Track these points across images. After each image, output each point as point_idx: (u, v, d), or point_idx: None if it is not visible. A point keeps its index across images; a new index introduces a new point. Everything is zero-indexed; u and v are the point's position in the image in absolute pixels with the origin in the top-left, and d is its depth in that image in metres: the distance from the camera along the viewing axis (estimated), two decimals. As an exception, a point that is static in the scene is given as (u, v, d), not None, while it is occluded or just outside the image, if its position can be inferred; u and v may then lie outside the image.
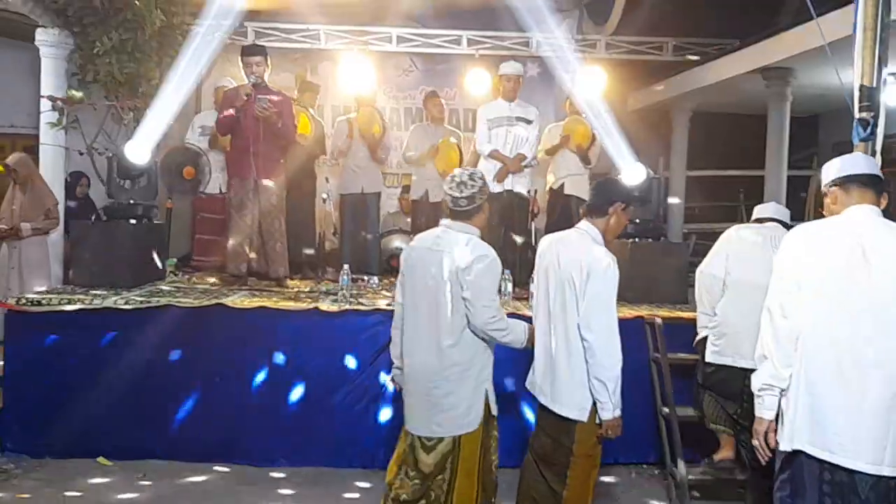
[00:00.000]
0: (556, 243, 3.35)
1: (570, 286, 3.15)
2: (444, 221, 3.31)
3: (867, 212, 2.70)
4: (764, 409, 2.71)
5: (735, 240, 4.19)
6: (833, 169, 2.83)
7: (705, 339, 4.21)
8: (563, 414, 3.19)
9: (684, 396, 4.64)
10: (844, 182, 2.77)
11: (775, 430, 2.70)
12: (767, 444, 2.72)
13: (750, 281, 3.86)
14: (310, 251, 6.91)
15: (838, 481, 2.54)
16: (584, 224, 3.34)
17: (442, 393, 3.18)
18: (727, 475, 4.34)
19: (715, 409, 4.29)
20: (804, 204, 9.25)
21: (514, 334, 3.29)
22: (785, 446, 2.65)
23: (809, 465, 2.59)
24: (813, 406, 2.58)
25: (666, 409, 4.61)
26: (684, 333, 4.61)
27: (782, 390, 2.66)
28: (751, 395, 2.81)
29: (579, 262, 3.14)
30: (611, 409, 3.10)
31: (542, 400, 3.30)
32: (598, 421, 3.15)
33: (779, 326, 2.66)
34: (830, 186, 2.81)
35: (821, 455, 2.55)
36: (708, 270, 4.19)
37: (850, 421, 2.52)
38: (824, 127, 10.32)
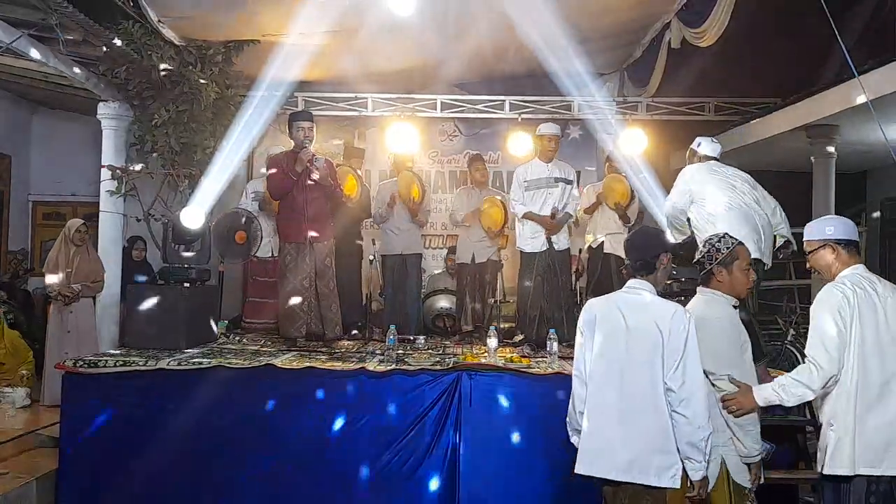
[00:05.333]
0: (615, 305, 3.24)
1: (651, 347, 3.06)
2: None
3: (866, 269, 3.33)
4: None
5: (694, 180, 5.07)
6: (840, 228, 3.36)
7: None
8: (654, 484, 3.03)
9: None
10: (847, 244, 3.33)
11: None
12: None
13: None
14: (357, 312, 7.01)
15: (882, 491, 3.11)
16: (636, 283, 3.26)
17: None
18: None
19: None
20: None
21: None
22: (846, 472, 3.11)
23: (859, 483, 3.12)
24: (864, 432, 3.11)
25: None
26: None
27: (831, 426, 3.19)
28: None
29: (659, 321, 3.07)
30: (704, 469, 3.03)
31: (620, 476, 3.08)
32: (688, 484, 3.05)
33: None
34: (835, 243, 3.33)
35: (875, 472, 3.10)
36: (678, 206, 5.10)
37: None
38: (872, 183, 10.19)
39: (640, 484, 3.05)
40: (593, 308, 3.31)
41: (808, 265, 3.51)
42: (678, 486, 3.03)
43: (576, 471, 3.21)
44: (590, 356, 3.24)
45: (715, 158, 5.25)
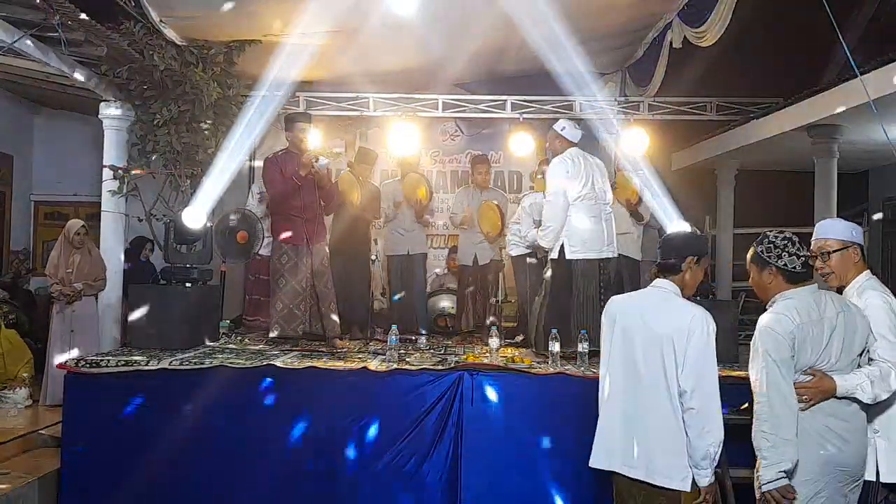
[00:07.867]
0: (635, 303, 3.27)
1: (669, 348, 3.04)
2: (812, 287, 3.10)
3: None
4: None
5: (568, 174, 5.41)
6: (859, 233, 3.40)
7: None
8: (666, 485, 3.02)
9: (736, 458, 4.53)
10: (861, 248, 3.37)
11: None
12: None
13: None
14: (362, 312, 7.02)
15: None
16: (660, 282, 3.24)
17: None
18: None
19: None
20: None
21: None
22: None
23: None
24: None
25: (718, 470, 4.50)
26: (736, 393, 4.51)
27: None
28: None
29: (676, 323, 3.05)
30: (711, 475, 3.01)
31: (633, 474, 3.09)
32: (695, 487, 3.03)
33: None
34: (855, 246, 3.34)
35: None
36: (562, 202, 5.37)
37: None
38: (874, 182, 10.18)
39: (652, 483, 3.05)
40: (614, 305, 3.32)
41: (816, 265, 3.35)
42: (688, 490, 3.01)
43: (590, 464, 3.23)
44: (608, 351, 3.25)
45: (575, 144, 5.51)
